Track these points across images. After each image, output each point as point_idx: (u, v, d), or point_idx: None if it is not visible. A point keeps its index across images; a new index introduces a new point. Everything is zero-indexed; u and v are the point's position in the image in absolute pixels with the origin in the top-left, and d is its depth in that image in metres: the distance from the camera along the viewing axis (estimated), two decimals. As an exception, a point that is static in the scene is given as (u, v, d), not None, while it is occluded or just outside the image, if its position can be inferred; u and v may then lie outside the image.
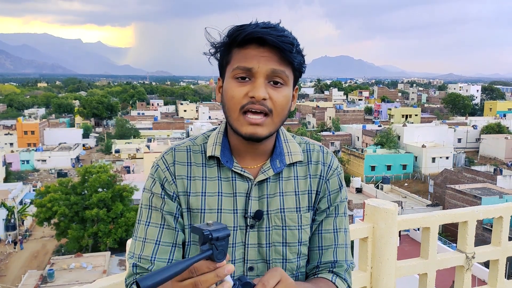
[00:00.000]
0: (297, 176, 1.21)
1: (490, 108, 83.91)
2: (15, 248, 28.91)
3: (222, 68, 1.13)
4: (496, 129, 57.02)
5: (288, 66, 1.08)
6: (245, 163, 1.18)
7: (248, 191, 1.16)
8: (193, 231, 0.86)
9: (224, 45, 1.11)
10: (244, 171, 1.15)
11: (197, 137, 1.24)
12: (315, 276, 1.22)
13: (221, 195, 1.15)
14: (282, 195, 1.18)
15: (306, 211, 1.20)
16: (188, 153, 1.19)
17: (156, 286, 0.78)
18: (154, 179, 1.16)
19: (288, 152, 1.21)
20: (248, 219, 1.15)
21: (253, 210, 1.15)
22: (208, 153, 1.17)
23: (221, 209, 1.15)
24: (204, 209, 1.14)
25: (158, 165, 1.18)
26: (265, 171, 1.16)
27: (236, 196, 1.15)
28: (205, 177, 1.17)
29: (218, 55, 1.14)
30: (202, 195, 1.15)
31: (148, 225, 1.15)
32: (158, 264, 1.12)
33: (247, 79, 1.07)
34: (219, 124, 1.25)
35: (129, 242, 1.24)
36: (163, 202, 1.15)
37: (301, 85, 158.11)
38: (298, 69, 1.11)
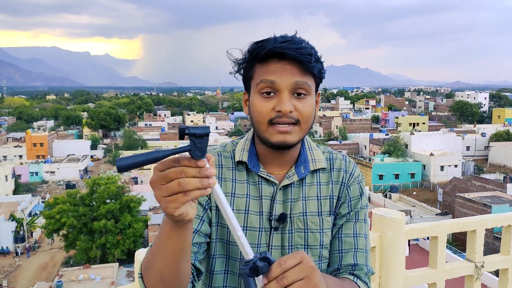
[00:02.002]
0: (319, 182, 1.27)
1: (499, 116, 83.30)
2: (18, 255, 29.14)
3: (247, 83, 1.19)
4: (505, 136, 56.57)
5: (309, 76, 1.13)
6: (271, 170, 1.24)
7: (273, 195, 1.21)
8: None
9: (246, 61, 1.17)
10: (269, 176, 1.21)
11: (226, 144, 1.31)
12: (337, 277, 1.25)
13: (249, 197, 1.21)
14: (305, 200, 1.23)
15: (328, 215, 1.25)
16: (219, 157, 1.25)
17: (130, 168, 0.79)
18: None
19: (312, 160, 1.26)
20: (273, 221, 1.20)
21: (277, 213, 1.20)
22: (237, 158, 1.23)
23: (248, 210, 1.20)
24: (233, 209, 1.19)
25: None
26: (290, 177, 1.22)
27: (262, 199, 1.21)
28: (235, 179, 1.23)
29: (242, 71, 1.20)
30: (231, 196, 1.21)
31: None
32: None
33: (272, 93, 1.12)
34: (244, 133, 1.30)
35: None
36: None
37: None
38: (318, 76, 1.16)
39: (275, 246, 1.20)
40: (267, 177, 1.21)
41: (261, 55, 1.11)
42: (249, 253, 0.90)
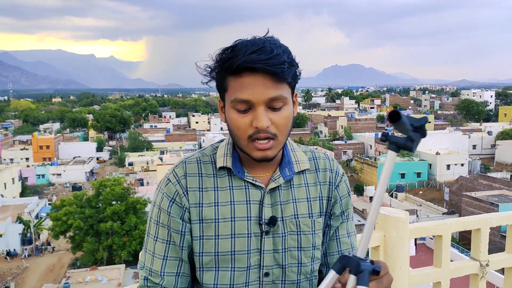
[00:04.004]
0: (307, 183, 1.26)
1: (505, 114, 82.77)
2: (26, 257, 29.40)
3: (221, 92, 1.16)
4: (511, 134, 56.21)
5: (284, 84, 1.10)
6: (255, 173, 1.21)
7: (262, 199, 1.19)
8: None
9: (217, 72, 1.13)
10: (255, 181, 1.19)
11: (206, 148, 1.28)
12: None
13: (233, 204, 1.18)
14: (295, 202, 1.22)
15: (318, 217, 1.25)
16: (198, 164, 1.22)
17: None
18: (163, 194, 1.19)
19: (296, 161, 1.25)
20: (263, 225, 1.18)
21: (267, 217, 1.18)
22: (220, 164, 1.20)
23: (234, 217, 1.17)
24: (218, 219, 1.17)
25: (169, 179, 1.20)
26: (275, 179, 1.21)
27: (249, 203, 1.19)
28: (217, 187, 1.19)
29: (215, 76, 1.16)
30: (215, 205, 1.18)
31: (156, 240, 1.20)
32: (167, 279, 1.18)
33: (247, 109, 1.10)
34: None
35: (142, 253, 1.27)
36: (169, 219, 1.18)
37: (312, 94, 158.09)
38: (294, 80, 1.13)
39: (267, 251, 1.18)
40: (253, 182, 1.19)
41: (233, 68, 1.07)
42: (363, 252, 0.93)
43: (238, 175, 1.19)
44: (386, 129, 73.09)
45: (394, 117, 0.83)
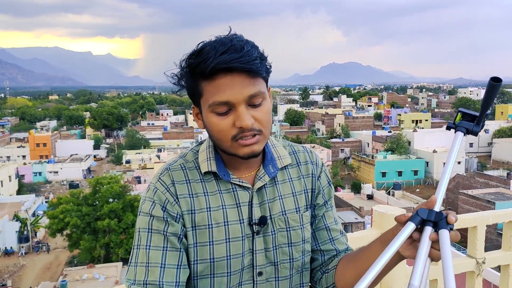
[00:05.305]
0: (291, 178, 1.26)
1: (502, 112, 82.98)
2: (23, 255, 29.39)
3: (194, 98, 1.13)
4: (508, 133, 56.44)
5: (260, 80, 1.09)
6: (240, 173, 1.20)
7: (250, 200, 1.18)
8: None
9: (189, 77, 1.10)
10: (242, 182, 1.18)
11: (186, 153, 1.24)
12: (336, 258, 1.28)
13: (225, 208, 1.16)
14: (282, 198, 1.22)
15: (305, 210, 1.26)
16: (184, 171, 1.18)
17: None
18: (154, 202, 1.14)
19: (278, 157, 1.24)
20: (254, 226, 1.17)
21: (257, 217, 1.18)
22: (204, 169, 1.17)
23: (227, 221, 1.15)
24: (211, 224, 1.15)
25: (156, 187, 1.15)
26: (261, 178, 1.20)
27: (240, 206, 1.17)
28: (207, 192, 1.17)
29: (186, 85, 1.13)
30: (207, 211, 1.15)
31: (149, 249, 1.11)
32: None
33: (227, 110, 1.07)
34: None
35: (130, 270, 1.20)
36: (166, 224, 1.12)
37: (310, 92, 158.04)
38: (267, 74, 1.12)
39: (259, 250, 1.18)
40: (240, 183, 1.17)
41: (205, 72, 1.04)
42: (439, 207, 1.00)
43: (224, 178, 1.17)
44: (383, 127, 72.92)
45: (498, 79, 0.99)
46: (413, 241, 1.02)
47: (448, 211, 0.99)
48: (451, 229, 0.96)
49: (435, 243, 0.97)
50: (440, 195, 1.02)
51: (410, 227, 0.98)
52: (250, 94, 1.06)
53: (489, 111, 1.10)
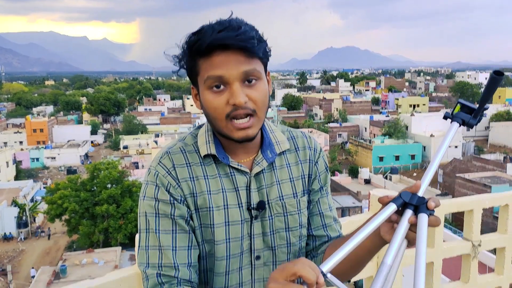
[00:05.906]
0: (289, 163, 1.26)
1: (499, 96, 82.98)
2: (22, 240, 29.63)
3: (193, 78, 1.14)
4: (505, 116, 56.49)
5: (256, 60, 1.09)
6: (239, 158, 1.20)
7: (248, 184, 1.19)
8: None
9: (187, 56, 1.11)
10: (240, 166, 1.18)
11: (185, 137, 1.25)
12: (326, 244, 1.29)
13: (225, 191, 1.17)
14: (279, 184, 1.23)
15: (302, 195, 1.26)
16: (184, 154, 1.19)
17: None
18: (157, 185, 1.14)
19: (276, 142, 1.25)
20: (252, 210, 1.18)
21: (255, 202, 1.19)
22: (204, 152, 1.18)
23: (227, 205, 1.17)
24: (212, 207, 1.16)
25: (157, 171, 1.16)
26: (259, 163, 1.20)
27: (238, 190, 1.18)
28: (207, 175, 1.18)
29: (185, 66, 1.14)
30: (208, 194, 1.16)
31: (159, 233, 1.13)
32: (182, 270, 1.11)
33: (222, 86, 1.08)
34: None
35: (137, 237, 1.23)
36: (172, 207, 1.13)
37: (307, 77, 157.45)
38: (265, 56, 1.12)
39: (257, 235, 1.19)
40: (238, 167, 1.18)
41: (202, 49, 1.06)
42: (423, 192, 1.01)
43: (224, 161, 1.17)
44: (381, 112, 72.81)
45: (500, 73, 1.03)
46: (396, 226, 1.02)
47: (431, 197, 0.99)
48: (431, 214, 0.97)
49: (413, 226, 0.97)
50: (426, 180, 1.02)
51: (391, 208, 0.99)
52: (245, 70, 1.06)
53: (487, 106, 1.12)
